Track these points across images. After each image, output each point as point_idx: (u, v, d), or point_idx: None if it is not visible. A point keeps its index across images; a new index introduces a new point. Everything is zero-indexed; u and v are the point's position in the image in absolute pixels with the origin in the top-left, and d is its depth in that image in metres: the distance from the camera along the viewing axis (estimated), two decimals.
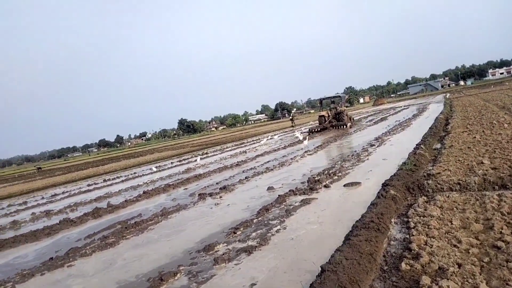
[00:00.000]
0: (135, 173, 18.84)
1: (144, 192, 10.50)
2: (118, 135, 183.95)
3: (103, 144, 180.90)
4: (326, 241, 4.37)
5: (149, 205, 8.97)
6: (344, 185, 7.14)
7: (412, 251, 3.64)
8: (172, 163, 21.22)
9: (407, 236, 4.08)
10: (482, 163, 6.91)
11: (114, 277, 4.51)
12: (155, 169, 17.04)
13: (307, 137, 20.00)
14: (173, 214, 7.37)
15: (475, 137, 10.07)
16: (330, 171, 8.80)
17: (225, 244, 4.91)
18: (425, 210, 4.80)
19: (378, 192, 5.83)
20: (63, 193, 15.25)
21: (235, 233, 5.29)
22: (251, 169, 11.91)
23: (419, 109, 30.58)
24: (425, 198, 5.41)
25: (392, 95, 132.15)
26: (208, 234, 5.59)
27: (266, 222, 5.60)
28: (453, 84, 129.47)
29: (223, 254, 4.52)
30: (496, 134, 9.83)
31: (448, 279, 3.02)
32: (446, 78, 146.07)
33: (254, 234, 5.12)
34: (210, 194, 8.63)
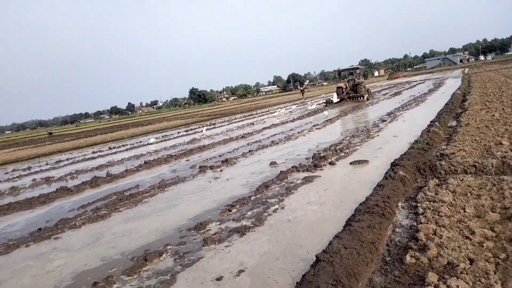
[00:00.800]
0: (140, 141, 18.67)
1: (145, 162, 10.27)
2: (129, 103, 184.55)
3: (114, 111, 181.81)
4: (325, 225, 4.02)
5: (148, 175, 8.74)
6: (351, 163, 6.73)
7: (419, 241, 3.27)
8: (179, 132, 20.98)
9: (414, 224, 3.70)
10: (501, 144, 6.41)
11: (99, 253, 4.27)
12: (153, 140, 16.78)
13: (327, 108, 20.06)
14: (171, 187, 7.10)
15: (493, 115, 9.47)
16: (337, 147, 8.37)
17: (218, 223, 4.61)
18: (436, 194, 4.39)
19: (386, 173, 5.42)
20: (67, 159, 15.17)
21: (230, 210, 4.98)
22: (256, 142, 11.54)
23: (435, 84, 29.43)
24: (437, 180, 4.99)
25: (408, 69, 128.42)
26: (202, 210, 5.30)
27: (264, 200, 5.27)
28: (473, 59, 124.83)
29: (214, 234, 4.22)
30: None
31: (458, 278, 2.65)
32: (465, 52, 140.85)
33: (249, 213, 4.80)
34: (211, 167, 8.32)
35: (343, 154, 7.66)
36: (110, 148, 17.40)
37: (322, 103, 25.66)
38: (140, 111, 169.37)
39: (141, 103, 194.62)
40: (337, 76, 30.49)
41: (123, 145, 18.02)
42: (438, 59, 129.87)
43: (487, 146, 6.36)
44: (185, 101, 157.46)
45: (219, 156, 9.89)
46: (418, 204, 4.19)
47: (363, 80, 26.04)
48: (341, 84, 25.44)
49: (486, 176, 4.88)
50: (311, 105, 23.37)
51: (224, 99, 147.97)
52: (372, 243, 3.31)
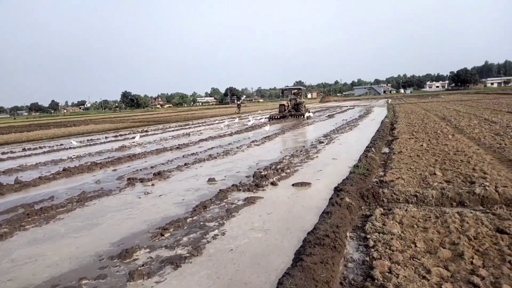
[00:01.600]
0: (62, 144, 16.83)
1: (64, 169, 9.05)
2: (53, 100, 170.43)
3: (35, 108, 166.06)
4: (272, 258, 3.60)
5: (66, 185, 7.65)
6: (293, 185, 6.47)
7: (376, 280, 3.00)
8: (106, 137, 19.38)
9: (367, 259, 3.45)
10: (435, 174, 6.65)
11: None
12: (76, 144, 15.14)
13: (268, 123, 21.06)
14: (93, 200, 6.20)
15: (422, 145, 10.01)
16: (278, 167, 8.12)
17: (147, 250, 3.95)
18: (384, 225, 4.25)
19: (331, 198, 5.22)
20: None
21: (162, 235, 4.34)
22: (192, 154, 10.89)
23: (364, 110, 31.31)
24: (382, 209, 4.89)
25: (338, 94, 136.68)
26: (129, 233, 4.58)
27: (202, 223, 4.72)
28: (394, 91, 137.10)
29: (142, 265, 3.57)
30: (442, 144, 9.84)
31: None
32: (388, 84, 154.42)
33: (185, 238, 4.22)
34: (141, 180, 7.53)
35: (284, 174, 7.40)
36: (24, 150, 15.38)
37: (261, 118, 26.64)
38: (65, 111, 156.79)
39: (66, 102, 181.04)
40: (280, 94, 32.67)
41: (40, 147, 16.05)
42: (365, 88, 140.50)
43: (423, 176, 6.54)
44: (116, 104, 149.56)
45: (151, 167, 9.08)
46: (368, 236, 3.98)
47: (304, 100, 28.15)
48: (284, 102, 27.25)
49: (428, 208, 4.89)
50: (250, 121, 23.29)
51: (158, 106, 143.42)
52: (327, 283, 2.96)
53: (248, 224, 4.59)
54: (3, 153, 14.48)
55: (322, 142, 11.91)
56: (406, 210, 4.75)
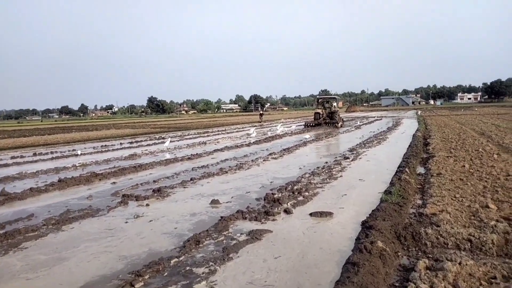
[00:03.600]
0: (74, 150, 16.29)
1: (59, 181, 8.26)
2: (82, 104, 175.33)
3: (65, 111, 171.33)
4: None
5: (54, 200, 6.80)
6: (311, 214, 5.32)
7: None
8: (121, 144, 18.78)
9: None
10: (488, 207, 5.37)
11: None
12: (79, 153, 14.46)
13: (305, 130, 22.33)
14: (72, 223, 5.27)
15: (464, 165, 8.67)
16: (295, 187, 6.99)
17: None
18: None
19: (359, 240, 4.06)
20: None
21: (132, 286, 3.31)
22: (202, 167, 9.91)
23: (393, 122, 29.62)
24: (426, 260, 3.67)
25: (365, 104, 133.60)
26: (96, 275, 3.58)
27: (188, 268, 3.66)
28: (423, 102, 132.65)
29: None
30: (488, 166, 8.47)
31: None
32: (417, 95, 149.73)
33: None
34: (137, 198, 6.58)
35: (301, 198, 6.26)
36: (34, 154, 14.88)
37: (290, 126, 27.36)
38: (93, 114, 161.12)
39: (95, 106, 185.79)
40: (316, 102, 33.73)
41: (51, 152, 15.56)
42: (393, 98, 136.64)
43: (473, 209, 5.27)
44: (143, 109, 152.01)
45: (154, 181, 8.14)
46: None
47: (338, 109, 28.74)
48: (319, 110, 27.89)
49: (490, 261, 3.65)
50: (277, 130, 22.23)
51: (183, 112, 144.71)
52: None
53: (247, 273, 3.49)
54: (12, 157, 14.03)
55: (348, 158, 10.67)
56: (460, 264, 3.52)
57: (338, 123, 25.47)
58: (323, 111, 27.50)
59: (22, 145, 20.08)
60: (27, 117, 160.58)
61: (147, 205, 6.19)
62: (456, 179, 7.36)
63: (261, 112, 49.70)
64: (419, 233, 4.29)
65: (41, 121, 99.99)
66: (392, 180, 7.20)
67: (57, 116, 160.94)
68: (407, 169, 8.13)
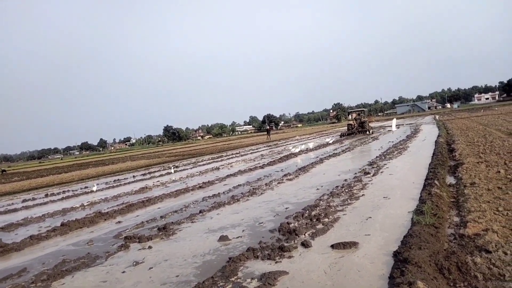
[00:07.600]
0: (86, 187, 15.98)
1: (62, 225, 7.77)
2: (101, 139, 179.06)
3: (85, 147, 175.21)
4: None
5: (53, 248, 6.28)
6: (332, 246, 4.60)
7: None
8: (134, 176, 18.42)
9: None
10: None
11: None
12: (95, 189, 14.10)
13: (341, 139, 25.96)
14: (64, 278, 4.69)
15: (498, 171, 7.82)
16: (313, 213, 6.28)
17: None
18: None
19: (392, 277, 3.33)
20: None
21: None
22: (213, 196, 9.31)
23: (411, 130, 28.53)
24: None
25: (379, 114, 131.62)
26: None
27: None
28: (440, 106, 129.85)
29: None
30: None
31: None
32: (433, 100, 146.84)
33: None
34: (140, 239, 5.99)
35: (320, 226, 5.54)
36: (46, 195, 14.62)
37: (337, 135, 31.93)
38: (112, 148, 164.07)
39: (114, 139, 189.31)
40: (347, 115, 44.62)
41: (63, 192, 15.27)
42: (408, 105, 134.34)
43: None
44: (159, 138, 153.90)
45: (161, 217, 7.57)
46: None
47: (367, 119, 32.54)
48: (351, 122, 31.84)
49: None
50: (295, 148, 21.27)
51: (199, 137, 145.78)
52: None
53: None
54: (24, 201, 13.77)
55: (368, 173, 9.87)
56: None
57: (369, 131, 29.00)
58: (354, 122, 30.86)
59: (37, 186, 20.04)
60: (49, 156, 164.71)
61: (150, 247, 5.57)
62: (494, 187, 6.54)
63: (267, 128, 49.01)
64: (466, 263, 3.53)
65: (61, 159, 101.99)
66: (421, 196, 6.42)
67: (77, 153, 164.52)
68: (436, 181, 7.32)
